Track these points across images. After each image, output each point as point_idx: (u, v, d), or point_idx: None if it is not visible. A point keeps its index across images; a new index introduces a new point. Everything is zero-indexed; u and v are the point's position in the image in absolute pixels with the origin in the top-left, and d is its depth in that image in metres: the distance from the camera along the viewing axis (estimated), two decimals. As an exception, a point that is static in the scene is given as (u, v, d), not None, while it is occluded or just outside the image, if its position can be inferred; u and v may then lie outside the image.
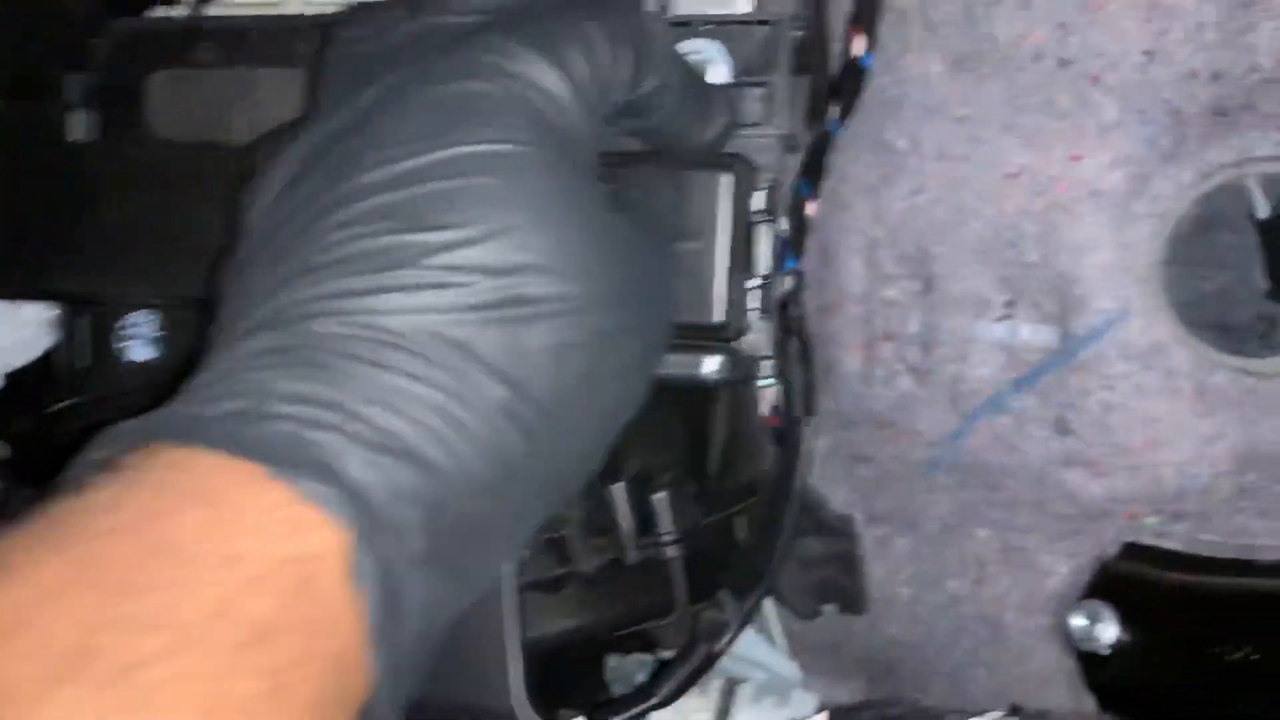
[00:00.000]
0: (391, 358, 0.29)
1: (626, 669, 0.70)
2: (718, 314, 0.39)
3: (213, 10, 0.47)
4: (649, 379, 0.36)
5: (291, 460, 0.27)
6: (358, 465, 0.28)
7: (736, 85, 0.38)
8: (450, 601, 0.31)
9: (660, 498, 0.45)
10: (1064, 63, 0.58)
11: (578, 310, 0.31)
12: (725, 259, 0.39)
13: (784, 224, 0.59)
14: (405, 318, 0.29)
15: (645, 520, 0.45)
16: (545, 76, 0.31)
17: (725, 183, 0.37)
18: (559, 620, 0.44)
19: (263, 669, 0.25)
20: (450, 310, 0.29)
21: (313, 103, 0.34)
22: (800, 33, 0.40)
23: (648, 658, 0.68)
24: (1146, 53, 0.56)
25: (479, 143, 0.30)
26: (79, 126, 0.47)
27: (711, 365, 0.39)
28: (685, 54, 0.38)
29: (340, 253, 0.29)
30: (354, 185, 0.30)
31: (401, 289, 0.29)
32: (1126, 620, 0.58)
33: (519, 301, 0.30)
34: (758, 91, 0.38)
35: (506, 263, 0.30)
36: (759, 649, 0.61)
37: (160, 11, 0.48)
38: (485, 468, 0.30)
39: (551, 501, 0.35)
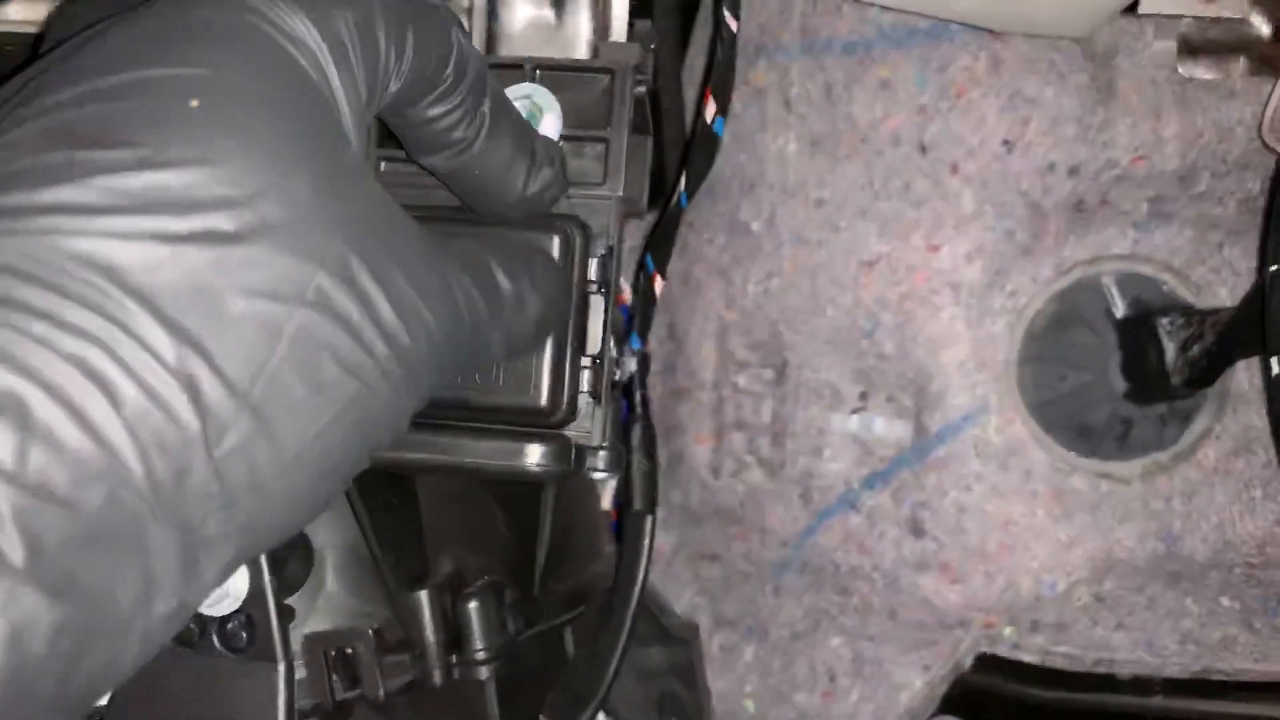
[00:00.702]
0: (20, 291, 0.22)
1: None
2: (542, 396, 0.33)
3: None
4: (398, 426, 0.27)
5: None
6: None
7: (571, 139, 0.34)
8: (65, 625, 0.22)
9: (473, 607, 0.39)
10: (923, 148, 0.56)
11: (302, 272, 0.24)
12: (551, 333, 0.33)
13: (626, 295, 0.54)
14: (56, 239, 0.22)
15: (455, 633, 0.39)
16: (293, 21, 0.26)
17: (552, 245, 0.32)
18: (345, 753, 0.38)
19: None
20: (116, 236, 0.22)
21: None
22: (643, 88, 0.36)
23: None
24: (1006, 143, 0.54)
25: (198, 65, 0.24)
26: None
27: (535, 455, 0.33)
28: (514, 99, 0.34)
29: (3, 170, 0.23)
30: (34, 107, 0.24)
31: (60, 211, 0.22)
32: (981, 738, 0.54)
33: (216, 241, 0.23)
34: (595, 148, 0.34)
35: (207, 195, 0.23)
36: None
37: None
38: (133, 448, 0.22)
39: (234, 528, 0.24)
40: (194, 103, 0.24)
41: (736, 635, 0.61)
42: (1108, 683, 0.52)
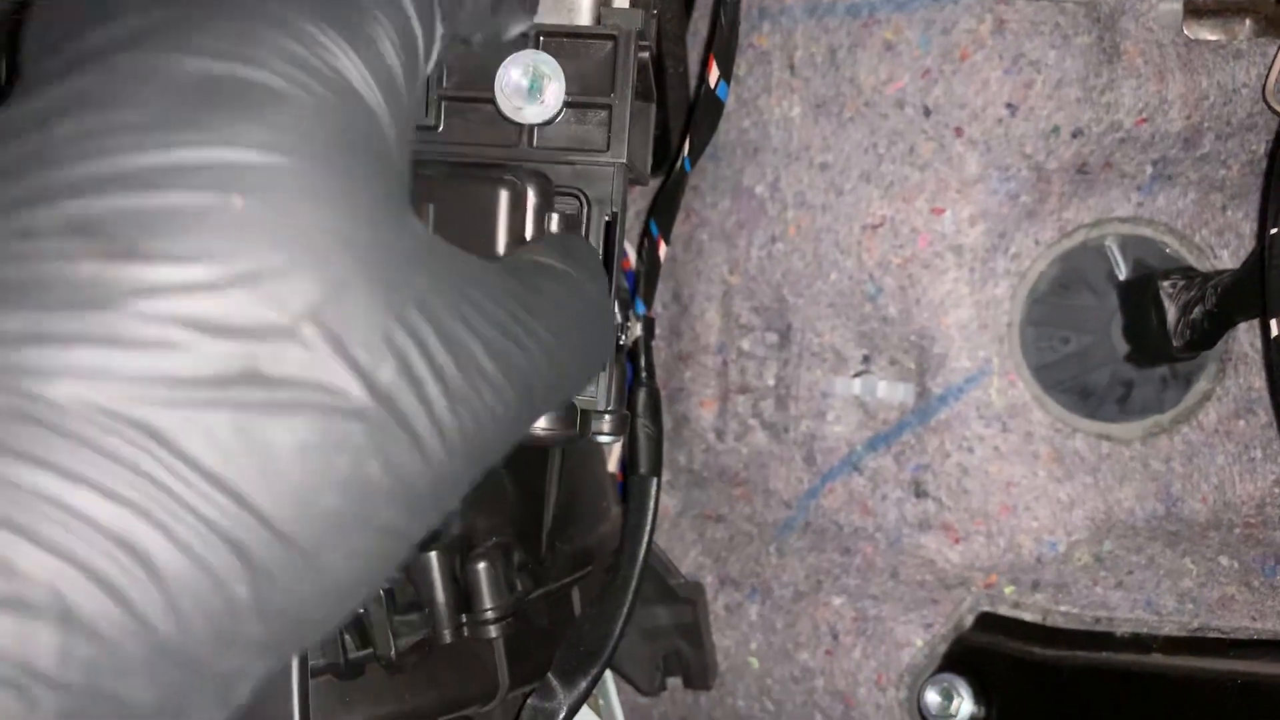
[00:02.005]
0: (42, 446, 0.19)
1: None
2: None
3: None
4: (447, 508, 0.25)
5: None
6: None
7: (574, 106, 0.34)
8: None
9: (482, 568, 0.40)
10: (927, 111, 0.56)
11: (350, 402, 0.21)
12: None
13: (630, 260, 0.55)
14: (77, 386, 0.19)
15: (464, 594, 0.40)
16: (339, 62, 0.22)
17: (503, 198, 0.31)
18: (356, 712, 0.38)
19: None
20: (150, 381, 0.20)
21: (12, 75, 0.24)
22: (646, 54, 0.36)
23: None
24: (1009, 106, 0.54)
25: (242, 146, 0.21)
26: None
27: (542, 421, 0.34)
28: (515, 66, 0.34)
29: (6, 275, 0.20)
30: (42, 181, 0.20)
31: (84, 341, 0.20)
32: (982, 694, 0.55)
33: (259, 381, 0.20)
34: (598, 115, 0.34)
35: (250, 321, 0.20)
36: (595, 729, 0.55)
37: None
38: (177, 624, 0.20)
39: (274, 660, 0.23)
40: (238, 202, 0.21)
41: (741, 595, 0.62)
42: (1107, 640, 0.53)
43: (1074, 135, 0.54)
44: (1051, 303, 0.57)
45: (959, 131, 0.55)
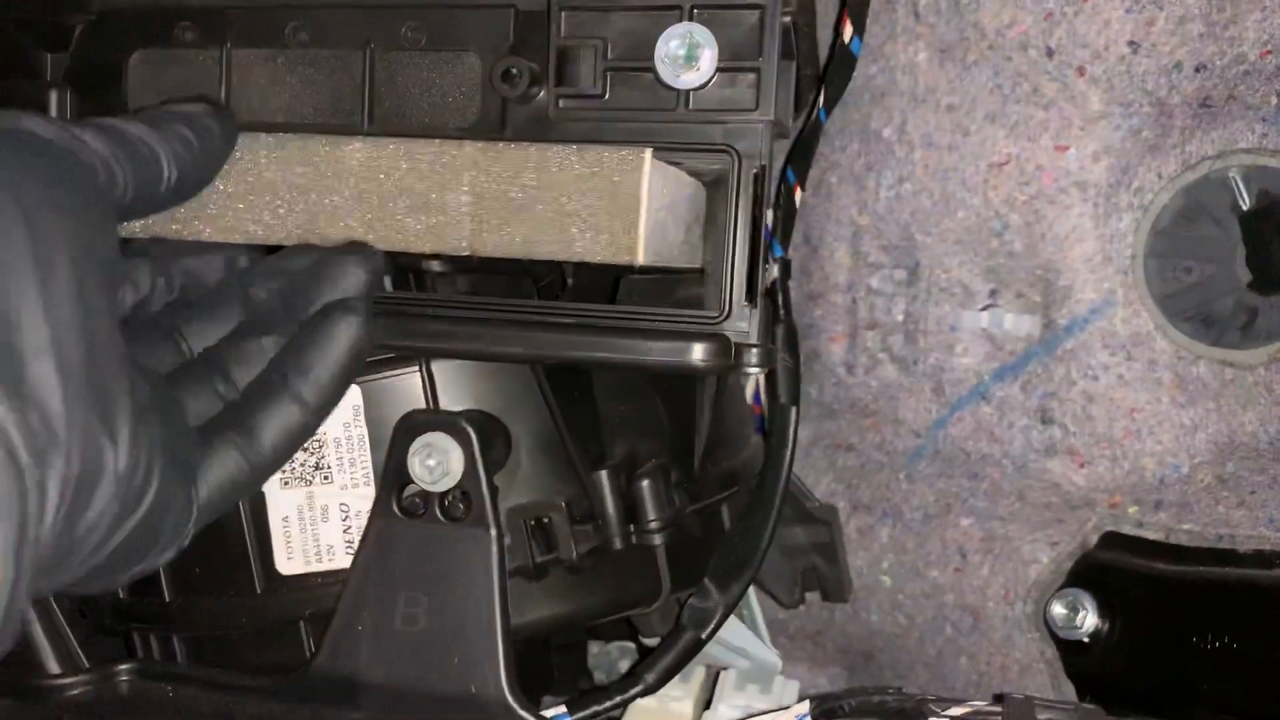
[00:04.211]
0: None
1: (609, 656, 0.70)
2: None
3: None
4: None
5: None
6: None
7: (725, 70, 0.38)
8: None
9: (645, 485, 0.45)
10: (1050, 52, 0.58)
11: None
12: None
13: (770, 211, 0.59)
14: None
15: (630, 507, 0.45)
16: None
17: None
18: (543, 607, 0.44)
19: None
20: None
21: None
22: (789, 18, 0.40)
23: (630, 645, 0.68)
24: (1131, 44, 0.56)
25: None
26: (58, 106, 0.46)
27: (700, 352, 0.38)
28: (673, 38, 0.38)
29: None
30: None
31: None
32: (1106, 609, 0.58)
33: None
34: (747, 77, 0.38)
35: None
36: (741, 637, 0.61)
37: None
38: None
39: None
40: None
41: (872, 518, 0.66)
42: (1229, 557, 0.55)
43: (1197, 70, 0.56)
44: (1174, 234, 0.58)
45: (1081, 71, 0.57)
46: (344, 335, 0.39)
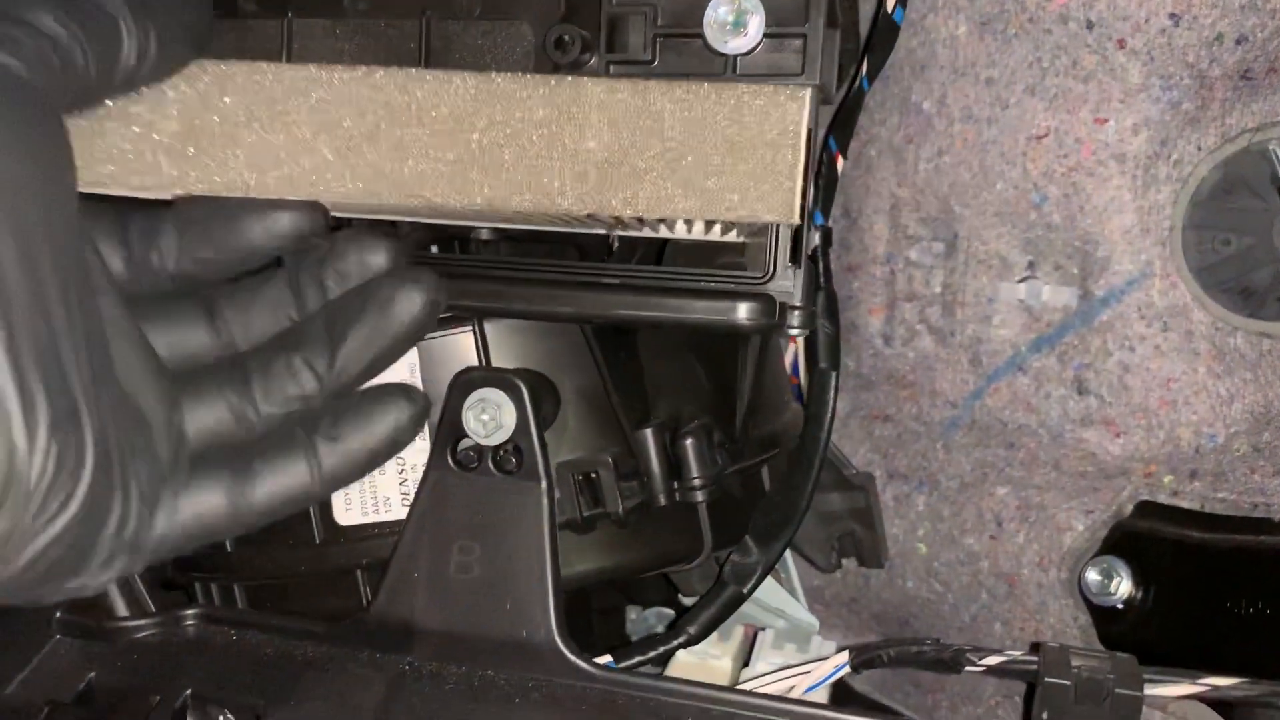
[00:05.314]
0: None
1: (646, 622, 0.71)
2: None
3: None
4: None
5: None
6: None
7: (772, 36, 0.39)
8: None
9: (689, 443, 0.46)
10: (1090, 25, 0.58)
11: None
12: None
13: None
14: None
15: (673, 465, 0.46)
16: None
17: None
18: (589, 560, 0.46)
19: None
20: None
21: None
22: (835, -14, 0.41)
23: (668, 611, 0.69)
24: (1172, 16, 0.56)
25: None
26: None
27: (746, 310, 0.39)
28: (721, 5, 0.39)
29: None
30: None
31: None
32: (1140, 576, 0.59)
33: None
34: (795, 43, 0.39)
35: None
36: (779, 598, 0.62)
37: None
38: None
39: None
40: None
41: (909, 487, 0.67)
42: (1264, 525, 0.56)
43: (1238, 42, 0.56)
44: (1213, 206, 0.59)
45: (1121, 43, 0.58)
46: (391, 424, 0.37)
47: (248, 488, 0.36)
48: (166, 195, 0.39)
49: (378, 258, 0.39)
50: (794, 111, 0.36)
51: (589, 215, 0.38)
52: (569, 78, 0.37)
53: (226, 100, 0.38)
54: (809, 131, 0.36)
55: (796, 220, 0.37)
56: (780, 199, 0.36)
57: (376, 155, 0.38)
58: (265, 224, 0.38)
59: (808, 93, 0.36)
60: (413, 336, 0.39)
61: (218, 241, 0.38)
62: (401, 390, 0.39)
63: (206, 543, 0.36)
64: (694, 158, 0.36)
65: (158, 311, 0.38)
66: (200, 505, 0.35)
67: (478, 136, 0.37)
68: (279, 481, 0.36)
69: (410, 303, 0.38)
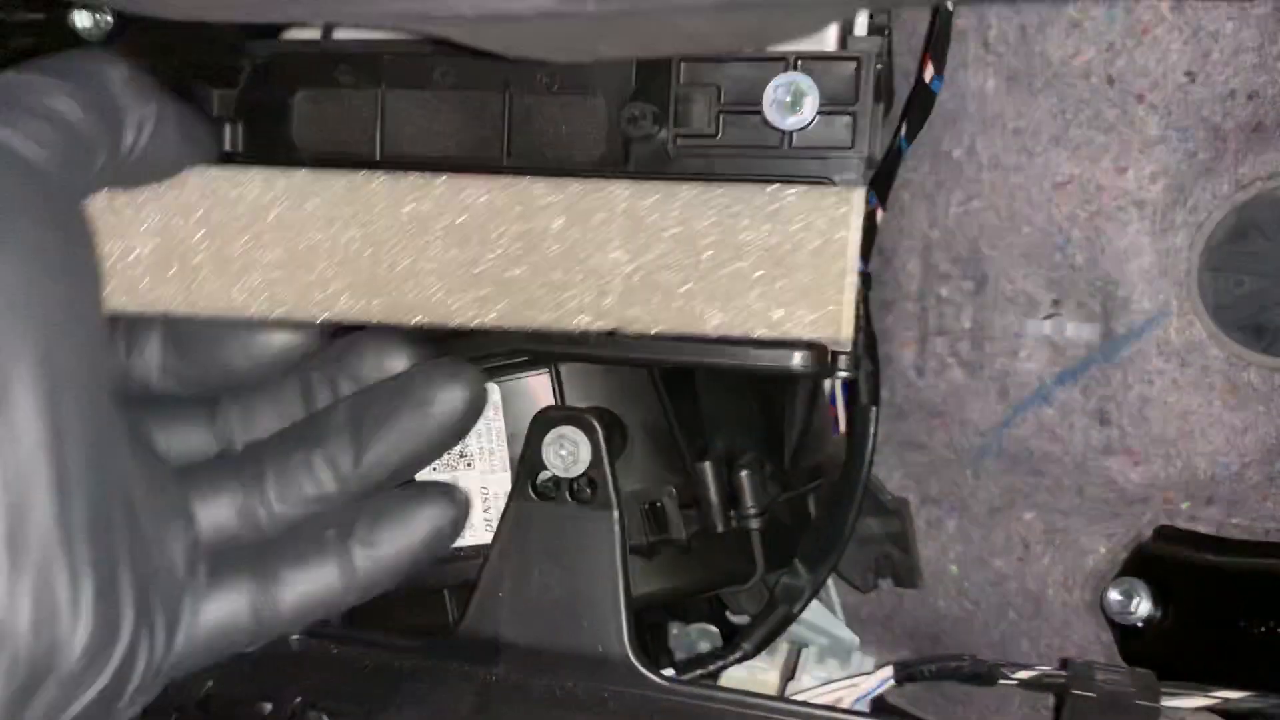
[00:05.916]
0: None
1: (688, 637, 0.75)
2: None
3: (341, 35, 0.52)
4: None
5: None
6: None
7: (825, 113, 0.44)
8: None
9: (744, 475, 0.50)
10: (1111, 80, 0.62)
11: None
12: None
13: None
14: None
15: (730, 495, 0.51)
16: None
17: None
18: (655, 582, 0.50)
19: None
20: None
21: None
22: (880, 66, 0.45)
23: (710, 627, 0.73)
24: (1188, 74, 0.61)
25: None
26: (230, 138, 0.52)
27: (800, 358, 0.43)
28: (779, 85, 0.43)
29: None
30: None
31: None
32: (1160, 596, 0.63)
33: None
34: (845, 119, 0.43)
35: None
36: (822, 616, 0.66)
37: (293, 34, 0.54)
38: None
39: None
40: None
41: (940, 511, 0.71)
42: (1276, 549, 0.60)
43: (1249, 98, 0.60)
44: (1228, 249, 0.63)
45: (1140, 98, 0.62)
46: (432, 528, 0.35)
47: (273, 596, 0.33)
48: (148, 314, 0.36)
49: (397, 363, 0.36)
50: (843, 217, 0.32)
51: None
52: (592, 181, 0.35)
53: (214, 213, 0.35)
54: (859, 238, 0.33)
55: (846, 340, 0.33)
56: (828, 317, 0.33)
57: (376, 269, 0.35)
58: (252, 349, 0.36)
59: (858, 194, 0.33)
60: (452, 439, 0.36)
61: (204, 362, 0.36)
62: (442, 491, 0.36)
63: (228, 656, 0.34)
64: (731, 271, 0.33)
65: (154, 410, 0.35)
66: (222, 613, 0.32)
67: (489, 252, 0.34)
68: (307, 587, 0.34)
69: (450, 404, 0.35)
